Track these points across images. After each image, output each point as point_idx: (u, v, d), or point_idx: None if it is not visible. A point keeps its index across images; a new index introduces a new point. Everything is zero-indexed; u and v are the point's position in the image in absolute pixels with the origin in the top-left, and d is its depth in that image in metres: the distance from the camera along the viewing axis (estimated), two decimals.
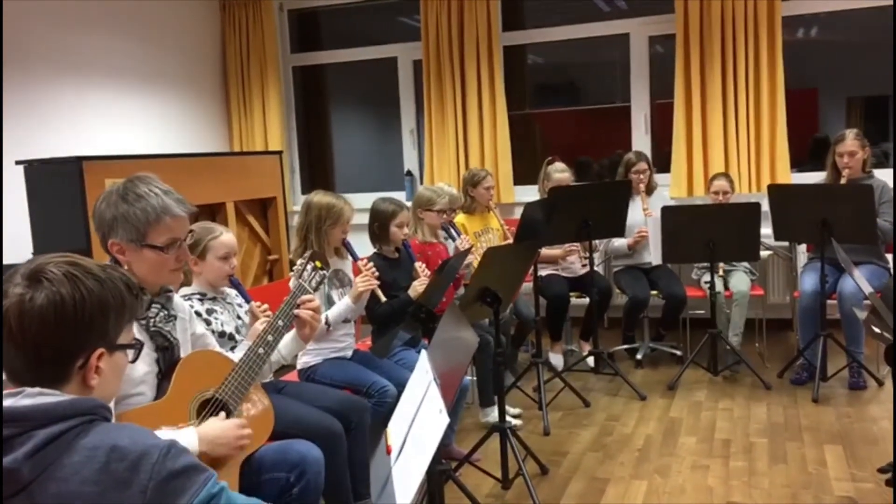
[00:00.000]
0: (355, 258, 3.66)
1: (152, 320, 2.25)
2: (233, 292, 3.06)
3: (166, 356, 2.26)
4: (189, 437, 2.10)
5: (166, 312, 2.31)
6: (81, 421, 1.32)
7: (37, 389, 1.33)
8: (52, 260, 1.41)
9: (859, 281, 2.97)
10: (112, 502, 1.26)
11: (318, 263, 2.72)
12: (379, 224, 3.95)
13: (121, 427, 1.37)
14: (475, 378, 4.28)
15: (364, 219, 4.03)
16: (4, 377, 1.39)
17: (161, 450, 1.31)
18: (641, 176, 5.31)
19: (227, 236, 2.99)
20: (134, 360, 1.55)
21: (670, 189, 5.93)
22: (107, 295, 1.41)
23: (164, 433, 2.05)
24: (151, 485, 1.27)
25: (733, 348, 4.93)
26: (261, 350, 2.40)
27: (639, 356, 5.39)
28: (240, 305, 3.06)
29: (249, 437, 2.23)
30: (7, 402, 1.30)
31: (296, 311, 2.53)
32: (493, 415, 4.14)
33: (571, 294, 5.22)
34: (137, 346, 1.54)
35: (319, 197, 3.63)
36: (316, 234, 3.58)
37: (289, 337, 2.69)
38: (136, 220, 2.19)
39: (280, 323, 2.50)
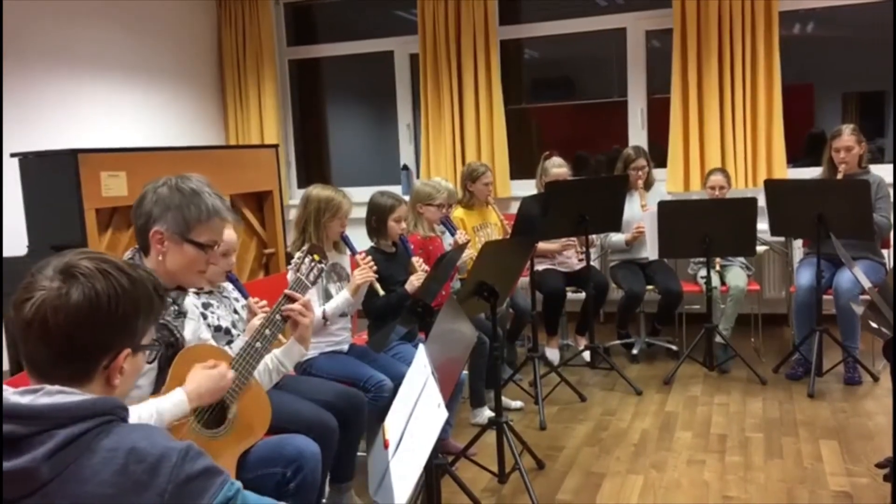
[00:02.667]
0: (353, 252, 3.65)
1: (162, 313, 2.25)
2: (229, 286, 3.05)
3: (169, 351, 2.25)
4: (178, 397, 2.13)
5: (177, 308, 2.32)
6: (101, 421, 1.30)
7: (56, 388, 1.31)
8: (83, 255, 1.39)
9: (859, 276, 2.97)
10: None
11: (316, 256, 2.70)
12: (377, 218, 3.95)
13: (138, 428, 1.35)
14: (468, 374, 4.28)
15: (360, 213, 4.02)
16: (24, 371, 1.37)
17: (179, 452, 1.30)
18: (640, 172, 5.30)
19: (228, 233, 2.97)
20: (152, 361, 1.54)
21: (667, 184, 5.93)
22: (138, 293, 1.40)
23: (151, 403, 2.06)
24: (170, 487, 1.26)
25: (726, 340, 4.93)
26: (258, 344, 2.39)
27: (634, 351, 5.39)
28: (236, 300, 3.05)
29: (231, 378, 2.26)
30: (25, 399, 1.28)
31: (283, 308, 2.51)
32: (482, 416, 4.16)
33: (568, 289, 5.22)
34: (157, 348, 1.52)
35: (318, 190, 3.63)
36: (315, 227, 3.57)
37: (289, 343, 2.65)
38: (189, 213, 2.24)
39: (278, 317, 2.48)
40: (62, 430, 1.26)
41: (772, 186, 4.77)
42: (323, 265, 2.71)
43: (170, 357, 2.25)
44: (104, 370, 1.38)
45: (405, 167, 6.84)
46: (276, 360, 2.62)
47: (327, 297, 3.57)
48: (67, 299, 1.33)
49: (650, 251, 5.00)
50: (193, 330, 2.42)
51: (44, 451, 1.23)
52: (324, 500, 3.12)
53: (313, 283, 2.67)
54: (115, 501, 1.25)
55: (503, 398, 4.21)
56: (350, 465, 3.21)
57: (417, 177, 6.67)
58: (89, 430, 1.28)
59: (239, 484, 1.36)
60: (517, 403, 4.49)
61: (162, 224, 2.23)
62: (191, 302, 2.48)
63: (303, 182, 7.16)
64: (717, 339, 4.96)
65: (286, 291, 2.54)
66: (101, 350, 1.37)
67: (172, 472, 1.27)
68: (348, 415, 3.04)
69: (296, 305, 2.51)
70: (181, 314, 2.34)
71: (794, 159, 5.92)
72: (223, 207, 2.31)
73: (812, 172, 5.23)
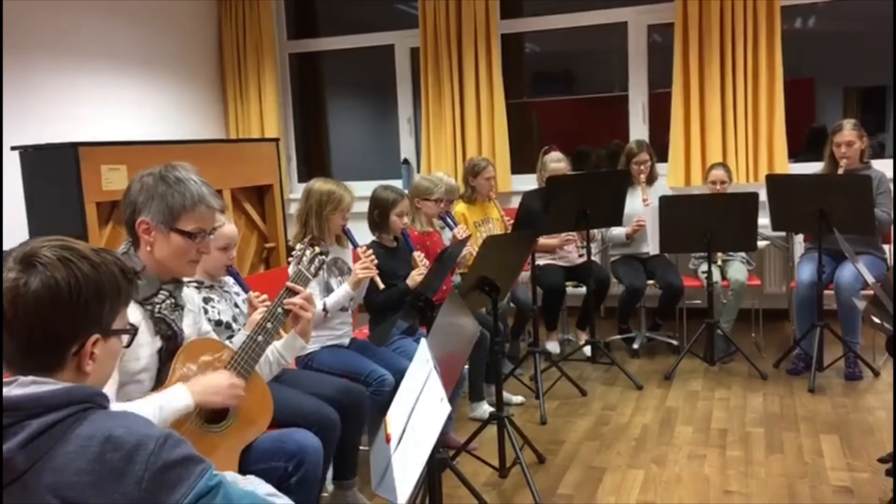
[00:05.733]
0: (355, 245, 3.65)
1: (158, 306, 2.23)
2: (230, 280, 3.05)
3: (169, 345, 2.24)
4: (180, 392, 2.11)
5: (173, 301, 2.29)
6: (77, 409, 1.29)
7: (30, 378, 1.31)
8: (46, 243, 1.38)
9: (863, 271, 2.96)
10: (107, 493, 1.24)
11: (317, 248, 2.70)
12: (379, 212, 3.94)
13: (117, 416, 1.34)
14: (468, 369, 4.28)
15: (360, 207, 4.01)
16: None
17: (157, 440, 1.28)
18: (642, 166, 5.29)
19: (228, 227, 2.98)
20: (128, 345, 1.53)
21: (668, 179, 5.93)
22: (102, 279, 1.39)
23: (153, 398, 2.06)
24: (147, 476, 1.25)
25: (726, 335, 4.93)
26: (260, 338, 2.39)
27: (635, 346, 5.39)
28: (237, 294, 3.05)
29: (241, 389, 2.24)
30: None
31: (285, 301, 2.50)
32: (481, 410, 4.16)
33: (568, 283, 5.21)
34: (132, 332, 1.51)
35: (320, 184, 3.63)
36: (316, 220, 3.58)
37: (289, 337, 2.65)
38: (173, 202, 2.19)
39: (279, 310, 2.48)
40: (35, 419, 1.26)
41: (773, 181, 4.76)
42: (324, 257, 2.71)
43: (171, 351, 2.24)
44: (74, 357, 1.37)
45: (406, 161, 6.83)
46: (277, 353, 2.62)
47: (328, 290, 3.57)
48: (27, 289, 1.32)
49: (651, 246, 5.00)
50: (193, 322, 2.41)
51: (17, 442, 1.24)
52: (324, 495, 3.13)
53: (314, 275, 2.67)
54: (93, 490, 1.24)
55: (504, 393, 4.22)
56: (352, 462, 3.21)
57: (418, 171, 6.66)
58: (64, 418, 1.28)
59: (222, 475, 1.34)
60: (518, 398, 4.49)
61: (147, 213, 2.19)
62: (190, 294, 2.46)
63: (303, 176, 7.15)
64: (718, 333, 4.96)
65: (288, 284, 2.53)
66: (67, 338, 1.36)
67: (149, 460, 1.26)
68: (349, 409, 3.03)
69: (297, 299, 2.51)
70: (178, 307, 2.31)
71: (795, 154, 5.91)
72: (209, 195, 2.26)
73: (813, 167, 5.23)
